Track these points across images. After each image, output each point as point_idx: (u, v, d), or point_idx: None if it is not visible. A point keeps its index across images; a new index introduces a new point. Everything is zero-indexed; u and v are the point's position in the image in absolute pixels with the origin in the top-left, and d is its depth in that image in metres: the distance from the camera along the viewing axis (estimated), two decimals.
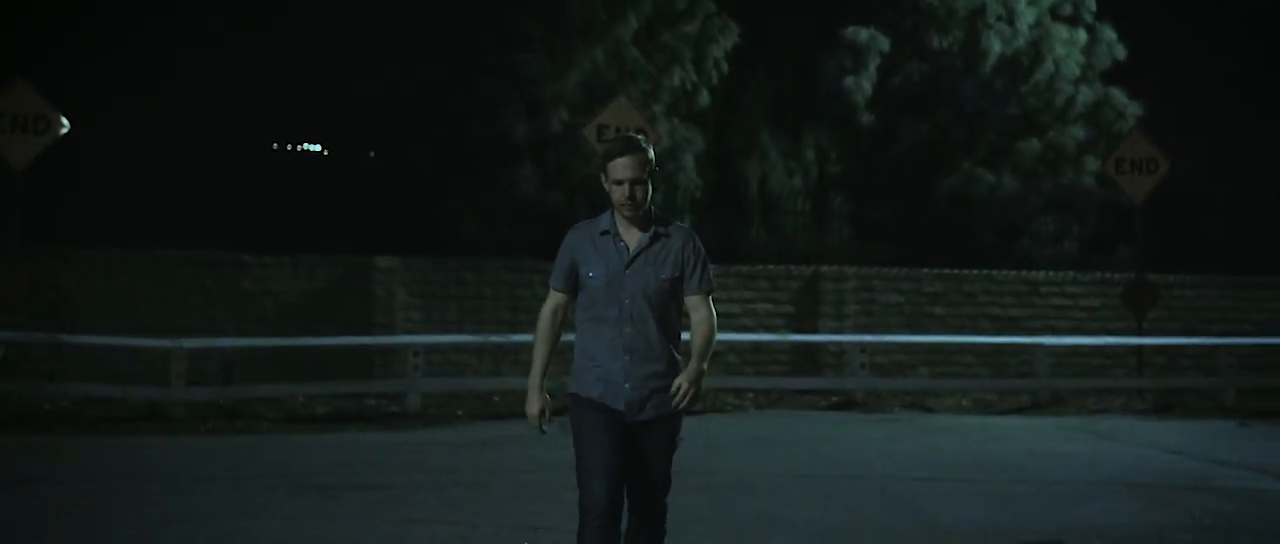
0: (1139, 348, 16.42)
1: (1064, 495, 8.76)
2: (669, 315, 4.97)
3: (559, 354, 5.03)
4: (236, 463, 10.15)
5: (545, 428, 4.99)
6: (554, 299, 5.03)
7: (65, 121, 14.02)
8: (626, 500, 4.93)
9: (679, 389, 4.83)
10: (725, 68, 18.37)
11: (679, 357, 4.98)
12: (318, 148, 23.71)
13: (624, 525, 4.92)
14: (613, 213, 4.98)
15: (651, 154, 4.91)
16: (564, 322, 5.07)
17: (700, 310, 4.98)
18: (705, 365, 4.89)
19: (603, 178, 4.94)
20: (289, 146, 23.66)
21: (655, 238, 4.93)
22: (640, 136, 5.05)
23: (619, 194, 4.89)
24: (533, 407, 4.97)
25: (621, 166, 4.84)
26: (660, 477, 4.98)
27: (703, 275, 4.98)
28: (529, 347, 12.07)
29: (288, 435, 12.39)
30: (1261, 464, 10.50)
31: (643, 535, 5.03)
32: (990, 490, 8.97)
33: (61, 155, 15.34)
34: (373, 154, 22.62)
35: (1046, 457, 10.94)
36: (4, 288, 13.95)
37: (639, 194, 4.85)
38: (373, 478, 9.17)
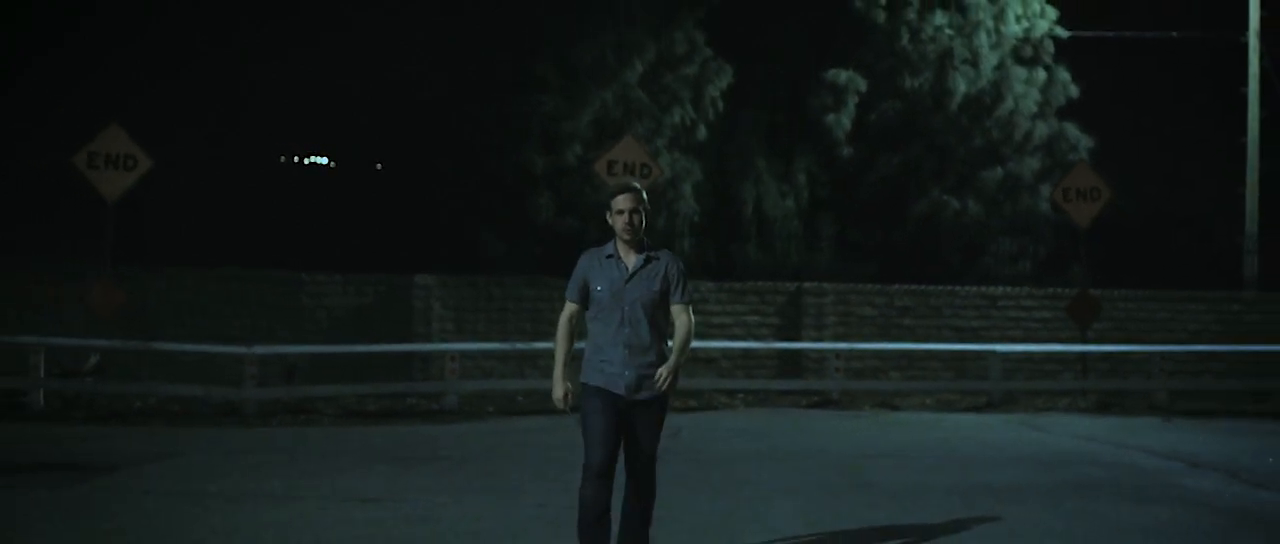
0: (1083, 355, 18.96)
1: (979, 466, 11.33)
2: (658, 319, 6.49)
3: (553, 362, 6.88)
4: (317, 446, 12.73)
5: (568, 407, 6.44)
6: (569, 308, 6.54)
7: (149, 159, 16.68)
8: (624, 466, 6.44)
9: (660, 376, 6.40)
10: (721, 105, 20.99)
11: (666, 350, 6.53)
12: (325, 160, 26.32)
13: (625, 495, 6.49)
14: (615, 242, 6.49)
15: (644, 194, 6.68)
16: (577, 327, 6.57)
17: (681, 317, 6.54)
18: (682, 359, 6.62)
19: (608, 213, 6.48)
20: (297, 159, 26.21)
21: (648, 260, 6.46)
22: (635, 181, 7.20)
23: (620, 222, 6.41)
24: (558, 391, 6.44)
25: (622, 201, 6.42)
26: (650, 446, 6.49)
27: (683, 289, 6.53)
28: (548, 352, 14.75)
29: (347, 428, 14.91)
30: (1153, 448, 13.02)
31: (637, 497, 6.53)
32: (921, 463, 11.55)
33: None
34: (379, 166, 25.21)
35: (980, 442, 13.48)
36: (104, 304, 16.60)
37: (635, 221, 6.40)
38: (433, 454, 11.78)
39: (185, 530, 7.86)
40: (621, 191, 6.49)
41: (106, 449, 11.97)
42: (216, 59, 22.65)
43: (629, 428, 6.41)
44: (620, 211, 6.42)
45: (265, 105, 22.99)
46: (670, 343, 6.60)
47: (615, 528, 6.53)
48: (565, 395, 6.44)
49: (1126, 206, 21.19)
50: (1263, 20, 22.32)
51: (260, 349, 16.39)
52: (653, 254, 6.53)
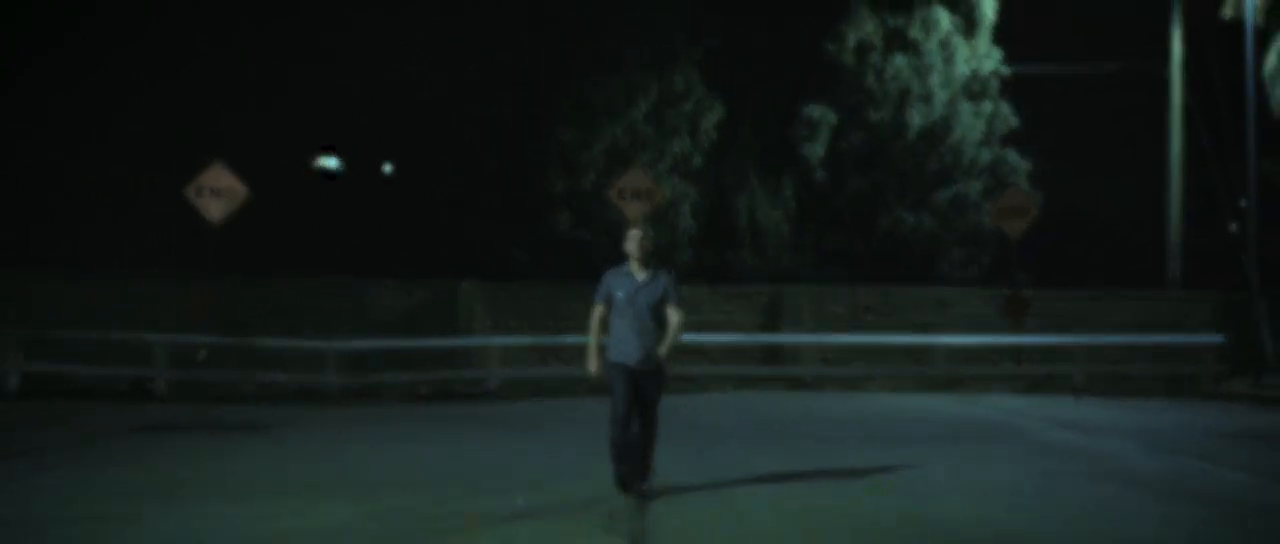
0: (1017, 346, 23.26)
1: (895, 425, 15.67)
2: (658, 316, 9.94)
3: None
4: (398, 416, 17.06)
5: (597, 375, 10.41)
6: (598, 309, 10.00)
7: (245, 188, 20.99)
8: (638, 414, 9.98)
9: (658, 353, 10.69)
10: (714, 136, 25.41)
11: (663, 336, 10.81)
12: (334, 163, 30.10)
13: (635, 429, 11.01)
14: (629, 262, 10.04)
15: (650, 230, 10.61)
16: (603, 323, 10.07)
17: (674, 316, 9.99)
18: (671, 341, 10.32)
19: (625, 240, 10.02)
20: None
21: (653, 277, 10.08)
22: (644, 221, 11.41)
23: (633, 246, 10.00)
24: (592, 364, 9.92)
25: (635, 232, 10.10)
26: (653, 400, 10.00)
27: (676, 297, 10.11)
28: (569, 346, 19.39)
29: (412, 405, 19.21)
30: (1045, 416, 17.28)
31: (645, 436, 9.99)
32: (856, 423, 15.89)
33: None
34: (389, 169, 29.29)
35: (910, 412, 17.78)
36: (199, 309, 20.93)
37: (645, 245, 10.15)
38: (490, 420, 16.15)
39: (350, 456, 12.26)
40: (634, 227, 10.52)
41: (244, 418, 16.31)
42: (215, 60, 25.70)
43: (639, 388, 10.07)
44: (632, 239, 10.37)
45: (283, 110, 26.69)
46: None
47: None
48: (599, 365, 10.00)
49: (1066, 216, 25.51)
50: (1185, 56, 26.60)
51: (338, 344, 20.76)
52: (656, 271, 10.35)
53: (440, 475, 11.15)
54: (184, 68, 25.82)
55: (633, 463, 10.04)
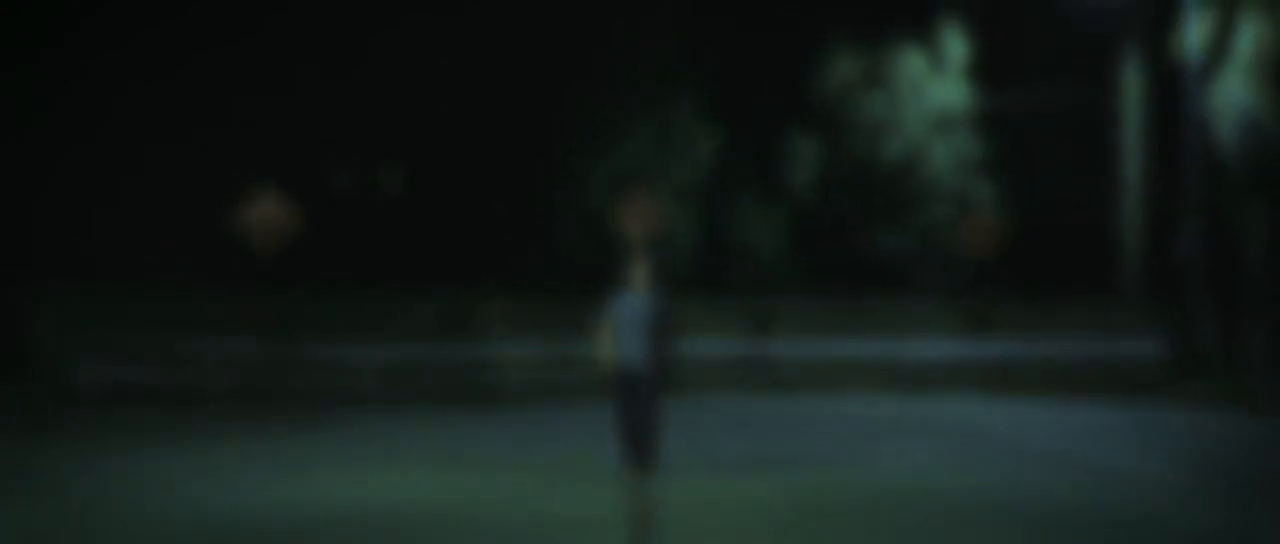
0: (980, 353, 26.40)
1: (865, 421, 18.79)
2: (655, 331, 11.99)
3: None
4: (437, 413, 20.21)
5: (609, 362, 13.65)
6: (607, 324, 12.94)
7: (289, 216, 24.11)
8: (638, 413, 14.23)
9: (659, 367, 14.26)
10: (711, 161, 28.69)
11: (655, 349, 13.91)
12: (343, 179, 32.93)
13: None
14: (632, 286, 13.21)
15: (649, 262, 13.81)
16: (609, 336, 13.75)
17: (668, 334, 13.51)
18: (670, 360, 13.53)
19: (629, 267, 13.55)
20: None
21: (652, 299, 12.72)
22: (645, 252, 14.52)
23: (637, 276, 13.22)
24: (605, 358, 12.48)
25: (637, 263, 13.52)
26: (653, 400, 12.15)
27: (671, 318, 13.85)
28: (580, 356, 22.60)
29: (440, 406, 22.30)
30: (995, 413, 20.47)
31: (649, 431, 12.68)
32: (828, 421, 19.04)
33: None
34: (389, 182, 32.41)
35: (881, 411, 20.88)
36: (248, 318, 24.06)
37: (648, 272, 13.59)
38: (514, 416, 19.35)
39: (400, 442, 15.45)
40: (638, 259, 13.53)
41: (300, 415, 19.47)
42: (211, 62, 28.47)
43: (639, 390, 12.92)
44: (636, 268, 13.29)
45: (306, 124, 29.77)
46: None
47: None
48: (609, 359, 12.63)
49: (1032, 230, 28.80)
50: (1141, 89, 29.75)
51: (372, 351, 23.96)
52: (655, 295, 13.34)
53: (483, 456, 14.34)
54: (217, 85, 28.68)
55: (639, 451, 12.72)
